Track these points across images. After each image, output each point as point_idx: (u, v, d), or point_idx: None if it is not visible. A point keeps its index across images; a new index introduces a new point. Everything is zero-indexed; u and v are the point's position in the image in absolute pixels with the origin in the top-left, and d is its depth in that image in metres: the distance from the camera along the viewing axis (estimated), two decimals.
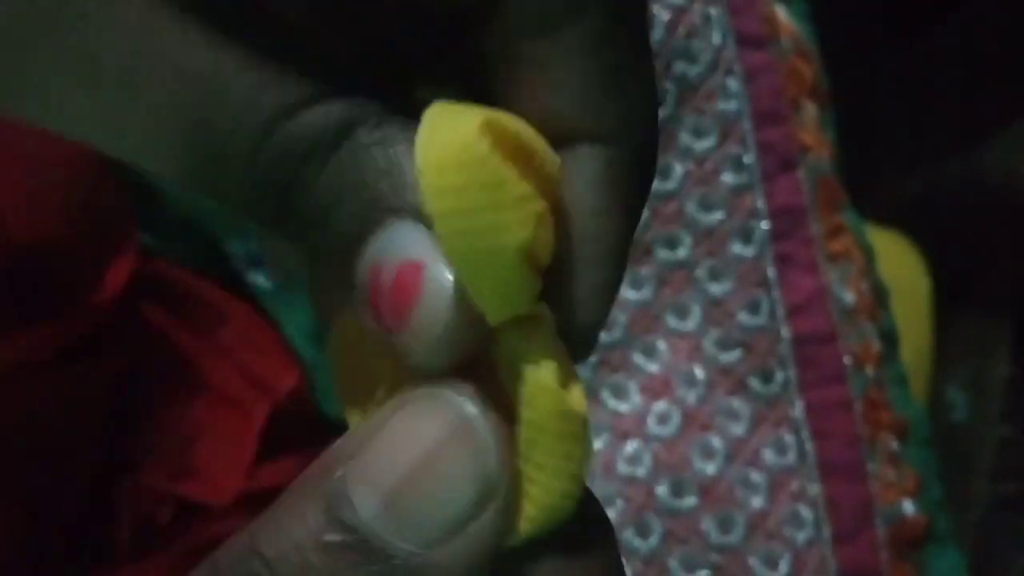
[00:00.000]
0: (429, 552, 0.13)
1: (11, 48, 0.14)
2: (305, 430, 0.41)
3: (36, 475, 0.35)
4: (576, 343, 0.16)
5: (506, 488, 0.14)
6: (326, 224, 0.14)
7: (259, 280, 0.42)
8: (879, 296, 0.47)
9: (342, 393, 0.17)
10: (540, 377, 0.15)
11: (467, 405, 0.14)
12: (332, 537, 0.14)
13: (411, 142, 0.14)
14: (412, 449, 0.14)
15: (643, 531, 0.41)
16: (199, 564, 0.15)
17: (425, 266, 0.14)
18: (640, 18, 0.16)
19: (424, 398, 0.14)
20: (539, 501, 0.15)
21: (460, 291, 0.14)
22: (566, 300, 0.15)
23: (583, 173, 0.15)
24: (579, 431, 0.15)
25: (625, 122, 0.15)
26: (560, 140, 0.15)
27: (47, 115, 0.15)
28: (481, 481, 0.14)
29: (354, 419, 0.17)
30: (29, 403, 0.34)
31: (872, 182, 0.71)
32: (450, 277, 0.14)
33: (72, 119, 0.15)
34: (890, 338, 0.46)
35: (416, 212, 0.14)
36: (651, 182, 0.17)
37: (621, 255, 0.16)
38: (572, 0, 0.14)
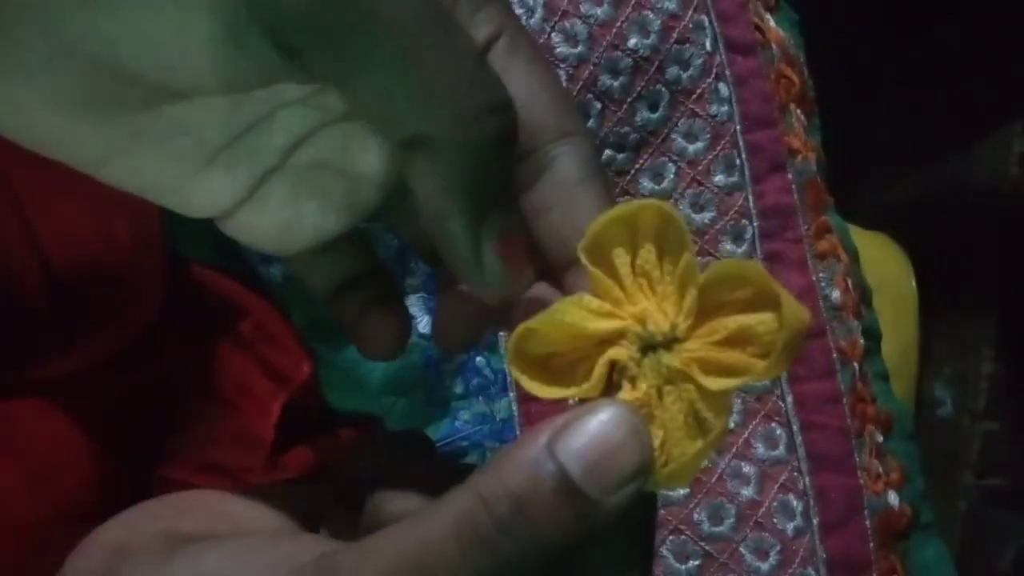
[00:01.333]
0: (607, 497, 0.20)
1: None
2: (314, 421, 0.41)
3: (87, 482, 0.35)
4: None
5: (651, 467, 0.21)
6: None
7: (273, 274, 0.42)
8: (863, 295, 0.47)
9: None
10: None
11: (635, 416, 0.21)
12: (556, 484, 0.20)
13: None
14: (605, 436, 0.21)
15: None
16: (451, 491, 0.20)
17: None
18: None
19: (613, 406, 0.21)
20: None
21: None
22: None
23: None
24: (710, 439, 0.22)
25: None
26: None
27: None
28: (640, 462, 0.21)
29: (537, 388, 0.23)
30: (78, 414, 0.35)
31: (860, 186, 0.72)
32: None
33: None
34: (873, 335, 0.47)
35: None
36: None
37: None
38: (595, 167, 0.25)
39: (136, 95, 0.22)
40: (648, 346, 0.22)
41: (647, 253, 0.23)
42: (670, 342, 0.22)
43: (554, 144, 0.24)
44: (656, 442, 0.22)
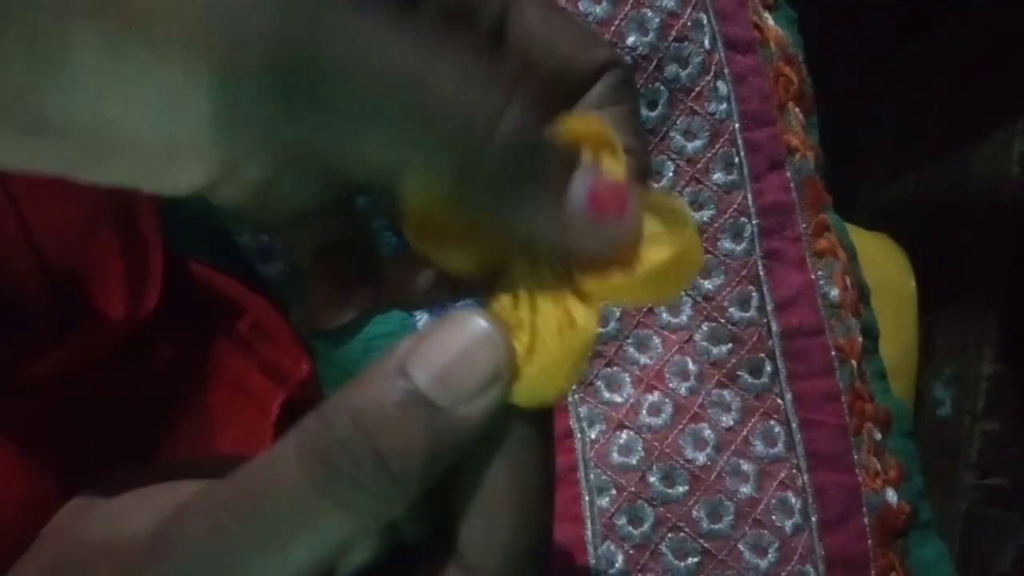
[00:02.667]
0: (459, 407, 0.20)
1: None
2: None
3: (79, 483, 0.35)
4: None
5: (509, 373, 0.21)
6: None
7: (270, 272, 0.42)
8: (861, 293, 0.47)
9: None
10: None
11: (487, 322, 0.21)
12: (401, 396, 0.20)
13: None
14: (455, 344, 0.20)
15: (635, 518, 0.42)
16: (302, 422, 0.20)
17: (628, 186, 0.22)
18: (639, 106, 0.29)
19: (463, 315, 0.21)
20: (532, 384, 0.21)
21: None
22: None
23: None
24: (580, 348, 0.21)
25: (642, 148, 0.26)
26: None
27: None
28: (494, 368, 0.20)
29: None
30: (71, 409, 0.34)
31: (860, 185, 0.72)
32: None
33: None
34: (871, 334, 0.47)
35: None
36: (649, 180, 0.27)
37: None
38: (622, 93, 0.26)
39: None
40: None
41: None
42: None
43: (593, 80, 0.25)
44: (520, 348, 0.21)
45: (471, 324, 0.20)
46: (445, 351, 0.20)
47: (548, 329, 0.21)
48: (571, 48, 0.25)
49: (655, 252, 0.22)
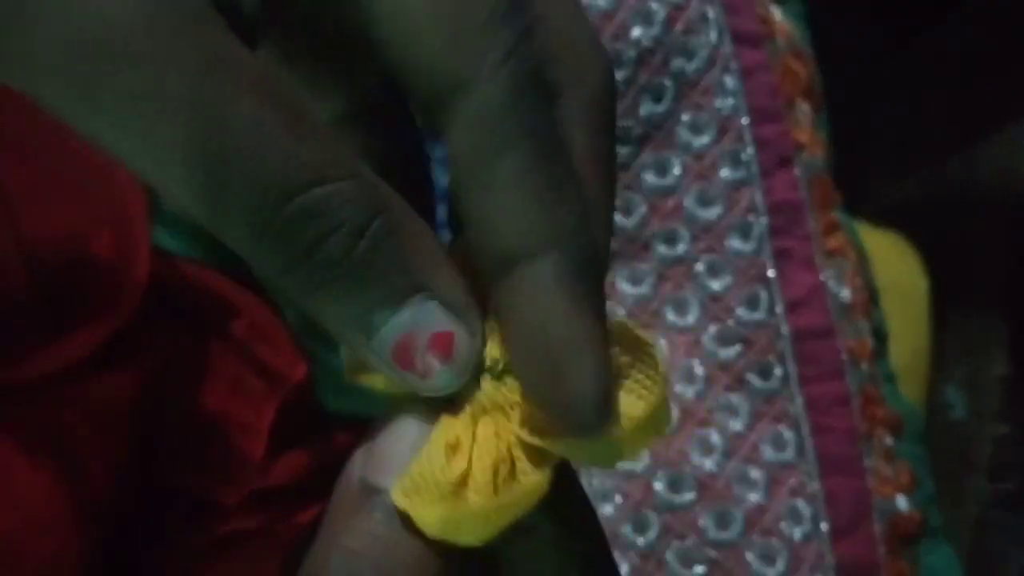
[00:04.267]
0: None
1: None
2: (308, 424, 0.41)
3: (72, 485, 0.35)
4: None
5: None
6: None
7: None
8: (872, 294, 0.47)
9: None
10: None
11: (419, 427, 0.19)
12: (383, 511, 0.18)
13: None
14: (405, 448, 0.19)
15: (640, 526, 0.42)
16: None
17: (455, 335, 0.18)
18: (561, 148, 0.18)
19: (403, 422, 0.19)
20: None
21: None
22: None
23: (542, 287, 0.18)
24: None
25: (563, 234, 0.18)
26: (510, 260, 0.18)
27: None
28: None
29: None
30: (60, 413, 0.34)
31: (870, 183, 0.72)
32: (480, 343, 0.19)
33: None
34: (881, 335, 0.47)
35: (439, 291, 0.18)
36: (599, 276, 0.19)
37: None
38: (501, 137, 0.17)
39: None
40: (487, 367, 0.19)
41: None
42: (508, 373, 0.19)
43: (455, 92, 0.18)
44: (454, 474, 0.18)
45: (408, 428, 0.19)
46: (404, 451, 0.19)
47: (482, 469, 0.18)
48: (426, 30, 0.17)
49: (626, 404, 0.19)
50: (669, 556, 0.41)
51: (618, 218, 0.43)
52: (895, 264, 0.59)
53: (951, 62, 0.71)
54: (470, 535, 0.18)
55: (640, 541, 0.41)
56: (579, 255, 0.18)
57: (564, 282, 0.18)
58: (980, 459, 0.59)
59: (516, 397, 0.19)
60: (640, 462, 0.42)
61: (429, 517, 0.18)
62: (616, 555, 0.41)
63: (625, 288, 0.43)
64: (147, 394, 0.38)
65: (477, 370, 0.19)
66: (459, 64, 0.17)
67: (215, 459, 0.39)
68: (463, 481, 0.18)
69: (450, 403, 0.19)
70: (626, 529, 0.42)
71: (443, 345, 0.18)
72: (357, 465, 0.19)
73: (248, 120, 0.16)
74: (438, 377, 0.18)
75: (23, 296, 0.33)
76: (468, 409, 0.19)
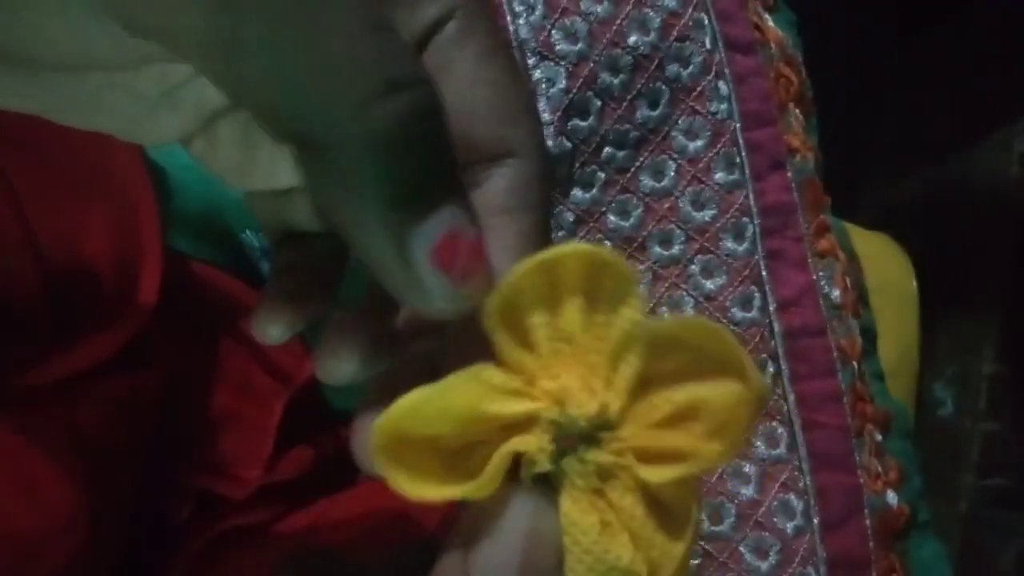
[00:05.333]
0: None
1: None
2: (316, 421, 0.41)
3: (90, 485, 0.35)
4: None
5: None
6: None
7: None
8: (861, 294, 0.47)
9: None
10: None
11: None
12: None
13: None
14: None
15: None
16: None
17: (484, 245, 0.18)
18: (549, 217, 0.22)
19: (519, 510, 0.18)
20: None
21: None
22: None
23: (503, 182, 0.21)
24: None
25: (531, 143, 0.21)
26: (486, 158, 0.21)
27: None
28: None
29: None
30: (76, 415, 0.34)
31: (860, 186, 0.72)
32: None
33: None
34: (870, 335, 0.47)
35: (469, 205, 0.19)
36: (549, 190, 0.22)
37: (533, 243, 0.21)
38: (526, 198, 0.21)
39: (48, 68, 0.20)
40: (568, 435, 0.18)
41: (571, 311, 0.18)
42: (597, 428, 0.18)
43: (486, 165, 0.20)
44: (628, 552, 0.17)
45: (512, 522, 0.18)
46: (512, 550, 0.18)
47: (643, 526, 0.17)
48: (483, 119, 0.20)
49: (716, 398, 0.17)
50: None
51: (615, 220, 0.43)
52: (885, 265, 0.59)
53: (943, 66, 0.71)
54: None
55: None
56: None
57: None
58: (969, 456, 0.59)
59: (622, 445, 0.18)
60: None
61: None
62: None
63: None
64: (161, 394, 0.38)
65: (561, 440, 0.18)
66: (507, 137, 0.20)
67: (224, 456, 0.39)
68: (621, 553, 0.17)
69: (539, 488, 0.18)
70: None
71: (479, 253, 0.18)
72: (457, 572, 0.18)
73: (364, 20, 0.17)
74: (465, 290, 0.18)
75: (37, 298, 0.33)
76: (578, 486, 0.18)
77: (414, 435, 0.18)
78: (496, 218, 0.20)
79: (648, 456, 0.18)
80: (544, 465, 0.18)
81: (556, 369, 0.18)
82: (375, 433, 0.18)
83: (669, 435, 0.17)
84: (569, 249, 0.18)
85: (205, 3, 0.17)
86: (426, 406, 0.18)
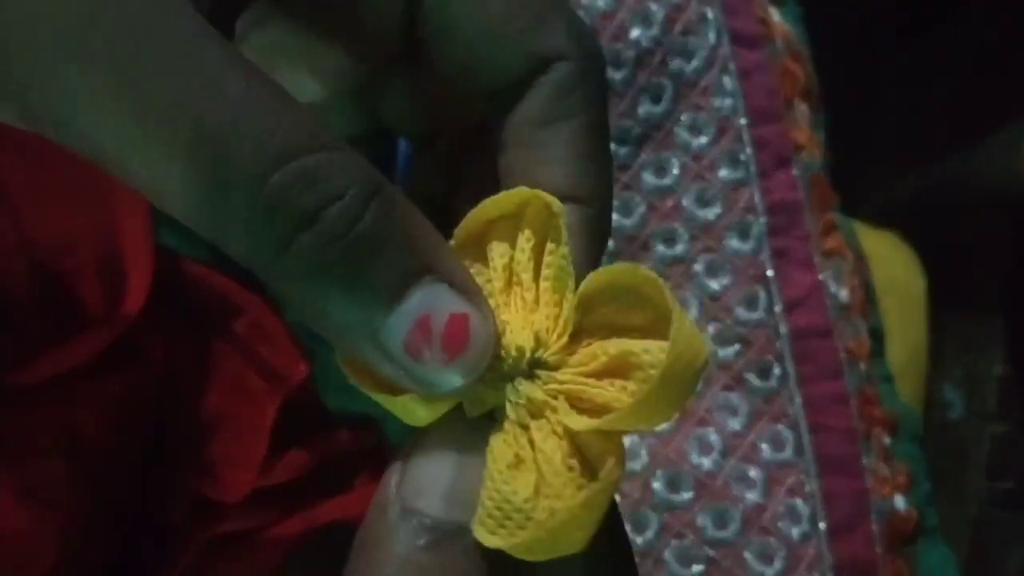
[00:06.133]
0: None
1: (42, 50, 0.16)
2: (310, 423, 0.41)
3: (82, 485, 0.35)
4: None
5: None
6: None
7: None
8: (869, 294, 0.47)
9: None
10: None
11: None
12: (422, 535, 0.18)
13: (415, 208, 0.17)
14: (450, 462, 0.18)
15: (639, 525, 0.41)
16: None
17: (470, 317, 0.17)
18: (606, 119, 0.20)
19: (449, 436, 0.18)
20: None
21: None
22: None
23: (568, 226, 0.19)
24: None
25: (598, 190, 0.20)
26: None
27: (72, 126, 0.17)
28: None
29: None
30: (67, 415, 0.34)
31: (867, 183, 0.72)
32: (493, 327, 0.18)
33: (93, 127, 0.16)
34: (878, 335, 0.47)
35: (448, 274, 0.17)
36: (608, 238, 0.21)
37: None
38: (572, 102, 0.19)
39: None
40: (510, 370, 0.18)
41: (522, 249, 0.19)
42: (535, 365, 0.18)
43: (518, 81, 0.19)
44: (528, 490, 0.17)
45: (445, 450, 0.18)
46: (443, 472, 0.18)
47: (556, 475, 0.17)
48: (501, 27, 0.19)
49: (647, 355, 0.17)
50: (668, 555, 0.41)
51: (617, 218, 0.43)
52: (893, 264, 0.59)
53: (950, 62, 0.71)
54: (569, 546, 0.17)
55: (639, 540, 0.41)
56: (604, 212, 0.20)
57: (581, 232, 0.20)
58: (978, 458, 0.59)
59: (557, 387, 0.18)
60: (639, 461, 0.42)
61: (524, 546, 0.17)
62: None
63: None
64: (151, 394, 0.38)
65: (499, 375, 0.18)
66: (544, 43, 0.19)
67: (217, 459, 0.39)
68: (539, 494, 0.17)
69: (483, 421, 0.18)
70: (625, 528, 0.41)
71: (459, 329, 0.17)
72: (391, 490, 0.18)
73: (239, 89, 0.16)
74: (454, 369, 0.17)
75: (28, 298, 0.33)
76: (510, 419, 0.18)
77: None
78: (540, 131, 0.20)
79: (580, 405, 0.18)
80: (482, 394, 0.18)
81: (506, 298, 0.19)
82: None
83: (601, 387, 0.18)
84: (530, 194, 0.18)
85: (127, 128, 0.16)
86: None
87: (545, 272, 0.18)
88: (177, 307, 0.39)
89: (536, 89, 0.19)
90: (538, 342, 0.18)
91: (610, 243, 0.43)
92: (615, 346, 0.18)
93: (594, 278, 0.18)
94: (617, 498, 0.41)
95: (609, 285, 0.18)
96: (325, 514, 0.39)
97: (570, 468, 0.17)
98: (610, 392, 0.18)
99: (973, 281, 0.62)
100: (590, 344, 0.18)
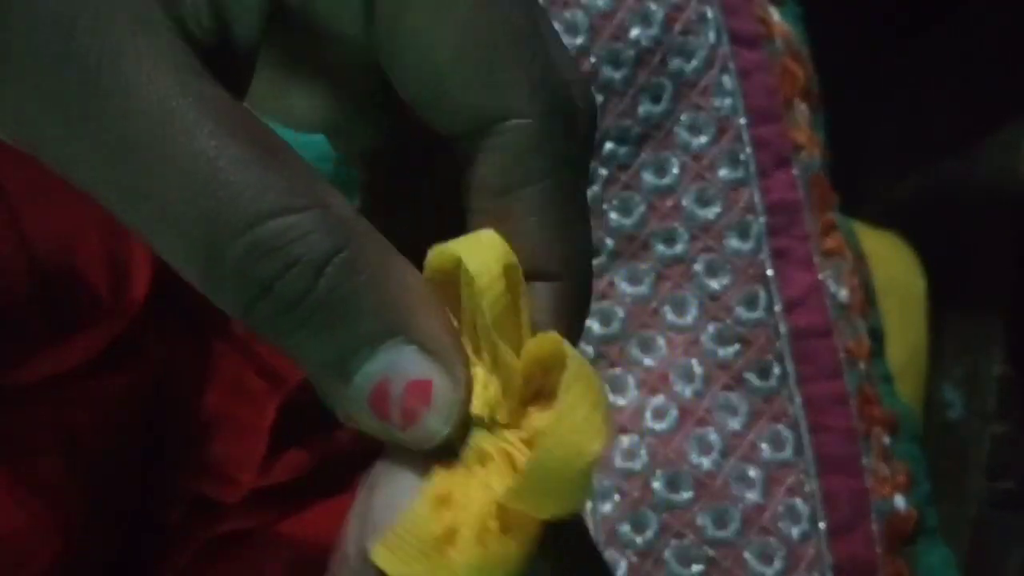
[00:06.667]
0: None
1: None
2: (310, 422, 0.40)
3: (78, 485, 0.35)
4: None
5: None
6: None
7: None
8: (869, 294, 0.47)
9: None
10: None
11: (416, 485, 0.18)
12: None
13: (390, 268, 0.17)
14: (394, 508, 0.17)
15: (639, 525, 0.41)
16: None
17: (434, 383, 0.17)
18: (580, 177, 0.19)
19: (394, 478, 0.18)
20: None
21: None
22: None
23: (539, 307, 0.18)
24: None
25: (570, 263, 0.18)
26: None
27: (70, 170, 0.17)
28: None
29: None
30: (65, 413, 0.34)
31: (867, 182, 0.72)
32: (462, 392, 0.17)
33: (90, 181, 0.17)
34: (878, 335, 0.47)
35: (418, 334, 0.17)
36: (587, 310, 0.19)
37: None
38: (531, 167, 0.17)
39: None
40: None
41: (489, 305, 0.18)
42: (499, 423, 0.18)
43: (473, 134, 0.18)
44: (440, 528, 0.17)
45: (403, 486, 0.18)
46: (388, 517, 0.17)
47: (468, 524, 0.17)
48: (447, 77, 0.17)
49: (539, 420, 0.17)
50: (667, 555, 0.41)
51: (617, 217, 0.43)
52: (893, 264, 0.59)
53: (950, 62, 0.71)
54: None
55: (638, 540, 0.41)
56: (580, 287, 0.19)
57: (553, 313, 0.18)
58: (978, 459, 0.59)
59: (510, 448, 0.18)
60: (638, 461, 0.42)
61: (407, 575, 0.17)
62: (614, 554, 0.41)
63: (624, 287, 0.43)
64: (150, 394, 0.38)
65: (470, 419, 0.18)
66: (492, 100, 0.17)
67: (216, 458, 0.39)
68: (450, 537, 0.17)
69: (448, 454, 0.18)
70: (624, 528, 0.41)
71: (420, 394, 0.17)
72: (354, 531, 0.18)
73: (203, 150, 0.16)
74: (419, 428, 0.17)
75: (26, 297, 0.33)
76: (463, 461, 0.18)
77: None
78: (498, 200, 0.18)
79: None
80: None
81: (475, 359, 0.18)
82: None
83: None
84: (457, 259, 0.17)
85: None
86: None
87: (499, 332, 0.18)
88: (177, 307, 0.39)
89: (490, 152, 0.18)
90: (489, 408, 0.18)
91: (610, 243, 0.43)
92: (540, 419, 0.17)
93: (539, 344, 0.17)
94: (616, 497, 0.41)
95: (552, 355, 0.17)
96: (325, 515, 0.39)
97: (484, 528, 0.17)
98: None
99: (973, 281, 0.62)
100: (543, 409, 0.18)
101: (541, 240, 0.18)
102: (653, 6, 0.42)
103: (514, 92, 0.17)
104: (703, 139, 0.43)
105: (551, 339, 0.17)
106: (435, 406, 0.17)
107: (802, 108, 0.46)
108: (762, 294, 0.43)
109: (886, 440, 0.45)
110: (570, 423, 0.16)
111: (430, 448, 0.17)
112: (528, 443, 0.17)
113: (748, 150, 0.43)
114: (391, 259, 0.17)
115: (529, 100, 0.17)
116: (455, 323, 0.18)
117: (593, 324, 0.43)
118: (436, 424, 0.17)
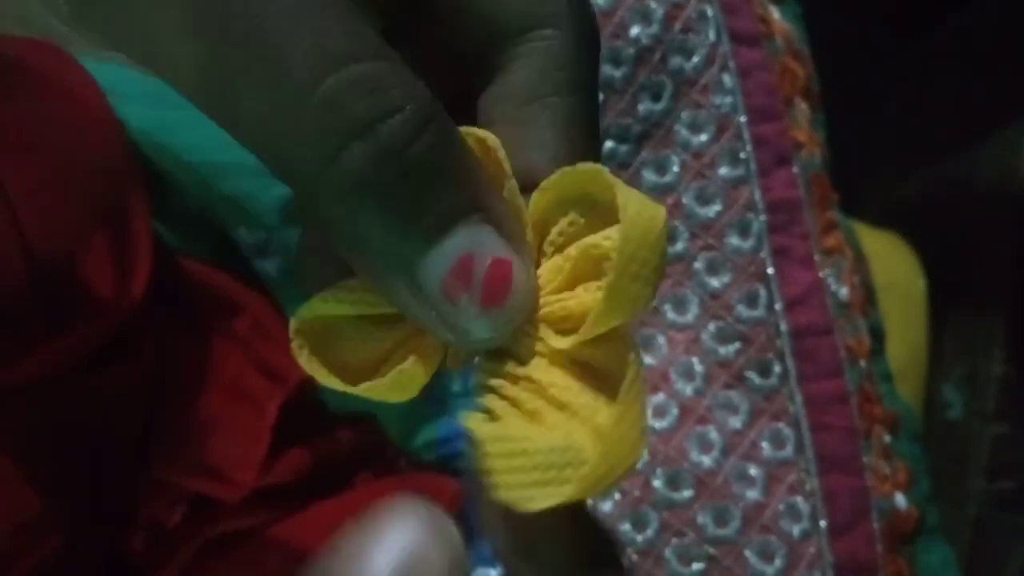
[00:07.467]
0: None
1: None
2: (310, 422, 0.40)
3: (70, 482, 0.34)
4: None
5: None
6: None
7: (268, 268, 0.42)
8: (869, 293, 0.47)
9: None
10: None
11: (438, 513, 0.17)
12: None
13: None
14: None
15: (639, 523, 0.41)
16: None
17: (513, 265, 0.16)
18: (595, 104, 0.19)
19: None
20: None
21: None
22: None
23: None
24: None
25: None
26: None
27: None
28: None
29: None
30: (60, 410, 0.34)
31: (868, 183, 0.72)
32: (535, 281, 0.17)
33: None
34: (878, 334, 0.46)
35: (495, 217, 0.16)
36: None
37: None
38: (560, 79, 0.18)
39: None
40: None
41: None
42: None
43: (512, 43, 0.18)
44: (561, 430, 0.16)
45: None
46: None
47: (576, 394, 0.16)
48: None
49: (608, 240, 0.17)
50: (668, 553, 0.41)
51: None
52: (893, 264, 0.59)
53: (951, 62, 0.71)
54: (633, 452, 0.16)
55: (639, 538, 0.41)
56: None
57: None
58: (978, 459, 0.59)
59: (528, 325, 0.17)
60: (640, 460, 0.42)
61: (593, 478, 0.16)
62: None
63: None
64: (149, 392, 0.38)
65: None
66: (535, 6, 0.18)
67: (217, 458, 0.39)
68: (574, 421, 0.16)
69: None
70: (625, 526, 0.41)
71: (502, 276, 0.16)
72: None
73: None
74: (503, 310, 0.16)
75: (25, 295, 0.33)
76: (497, 390, 0.17)
77: (335, 332, 0.18)
78: (526, 108, 0.18)
79: (565, 325, 0.17)
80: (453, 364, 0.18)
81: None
82: (296, 317, 0.17)
83: (576, 296, 0.17)
84: (483, 133, 0.17)
85: (194, 46, 0.15)
86: (342, 304, 0.17)
87: None
88: (177, 305, 0.39)
89: (523, 59, 0.18)
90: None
91: None
92: (575, 248, 0.17)
93: (539, 198, 0.17)
94: (616, 496, 0.41)
95: (557, 202, 0.17)
96: (326, 514, 0.39)
97: (585, 386, 0.16)
98: (587, 296, 0.17)
99: (973, 281, 0.62)
100: (548, 260, 0.17)
101: (559, 153, 0.18)
102: (653, 4, 0.42)
103: (558, 3, 0.18)
104: (703, 137, 0.43)
105: (563, 178, 0.17)
106: (514, 291, 0.16)
107: (803, 107, 0.45)
108: (762, 292, 0.43)
109: (887, 438, 0.44)
110: (635, 196, 0.16)
111: (481, 344, 0.17)
112: (570, 282, 0.17)
113: (748, 148, 0.43)
114: (467, 144, 0.16)
115: (568, 16, 0.18)
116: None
117: None
118: (513, 311, 0.16)
